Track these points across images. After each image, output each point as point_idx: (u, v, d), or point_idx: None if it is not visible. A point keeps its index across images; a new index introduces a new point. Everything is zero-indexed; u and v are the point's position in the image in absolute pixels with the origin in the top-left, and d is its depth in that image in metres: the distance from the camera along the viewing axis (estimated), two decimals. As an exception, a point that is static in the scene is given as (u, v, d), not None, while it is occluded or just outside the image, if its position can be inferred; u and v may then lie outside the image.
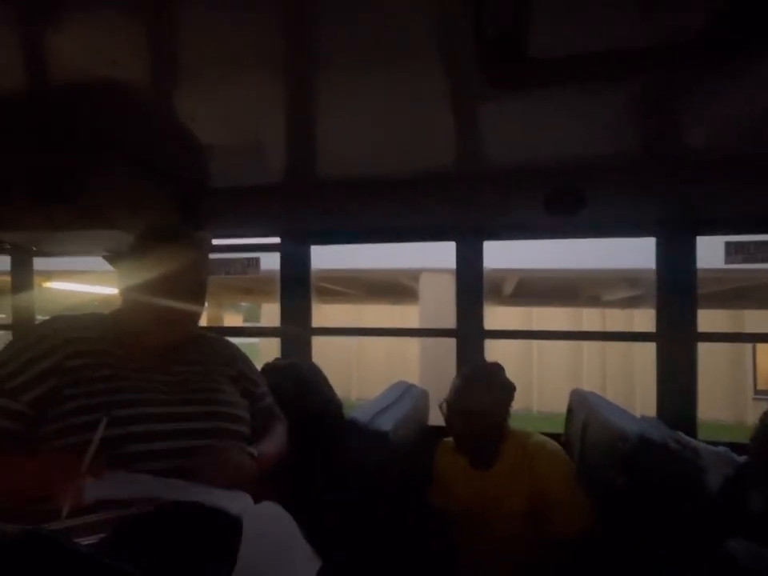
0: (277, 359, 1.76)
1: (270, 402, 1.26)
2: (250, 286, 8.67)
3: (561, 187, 1.84)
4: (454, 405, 1.56)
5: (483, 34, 0.96)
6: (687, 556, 1.07)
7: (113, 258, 1.14)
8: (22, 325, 2.52)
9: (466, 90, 1.23)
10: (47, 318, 1.12)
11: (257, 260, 2.33)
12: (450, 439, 1.65)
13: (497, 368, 1.62)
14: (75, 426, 0.93)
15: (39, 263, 2.59)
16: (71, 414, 0.95)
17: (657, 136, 1.58)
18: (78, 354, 1.01)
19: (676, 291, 1.91)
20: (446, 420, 1.59)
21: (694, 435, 1.78)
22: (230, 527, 0.81)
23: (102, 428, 0.89)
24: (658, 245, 1.94)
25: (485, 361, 1.73)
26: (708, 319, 2.43)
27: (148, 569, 0.70)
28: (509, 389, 1.58)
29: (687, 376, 1.90)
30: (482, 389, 1.54)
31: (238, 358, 1.24)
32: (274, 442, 1.17)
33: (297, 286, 2.22)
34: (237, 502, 0.87)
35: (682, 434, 1.52)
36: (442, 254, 3.36)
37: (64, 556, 0.61)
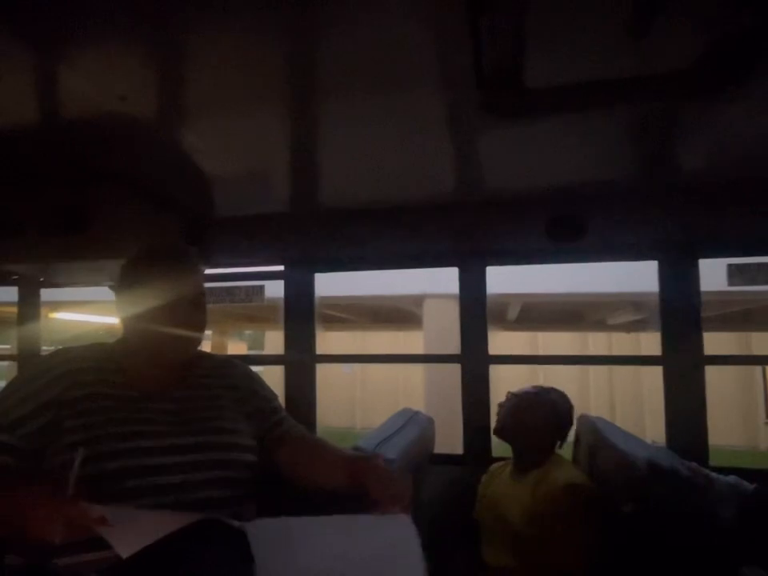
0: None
1: (285, 414, 1.24)
2: (254, 313, 8.68)
3: (562, 213, 1.85)
4: (516, 405, 1.68)
5: (481, 64, 0.99)
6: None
7: (118, 286, 1.14)
8: (27, 355, 2.53)
9: (466, 119, 1.25)
10: (53, 348, 1.13)
11: (261, 288, 2.35)
12: (497, 465, 1.79)
13: (564, 396, 1.74)
14: (68, 461, 0.92)
15: (46, 294, 2.61)
16: (71, 446, 0.94)
17: (656, 161, 1.60)
18: (78, 384, 1.01)
19: (680, 314, 1.90)
20: (497, 418, 1.72)
21: (704, 461, 1.75)
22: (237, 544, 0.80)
23: (77, 463, 0.87)
24: (661, 268, 1.94)
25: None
26: (715, 342, 2.41)
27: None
28: (564, 417, 1.70)
29: (695, 400, 1.87)
30: (541, 403, 1.67)
31: (246, 376, 1.22)
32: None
33: (301, 313, 2.23)
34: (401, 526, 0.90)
35: (692, 463, 1.49)
36: (445, 280, 3.37)
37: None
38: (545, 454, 1.64)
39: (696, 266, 1.90)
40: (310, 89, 1.13)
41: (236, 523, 0.84)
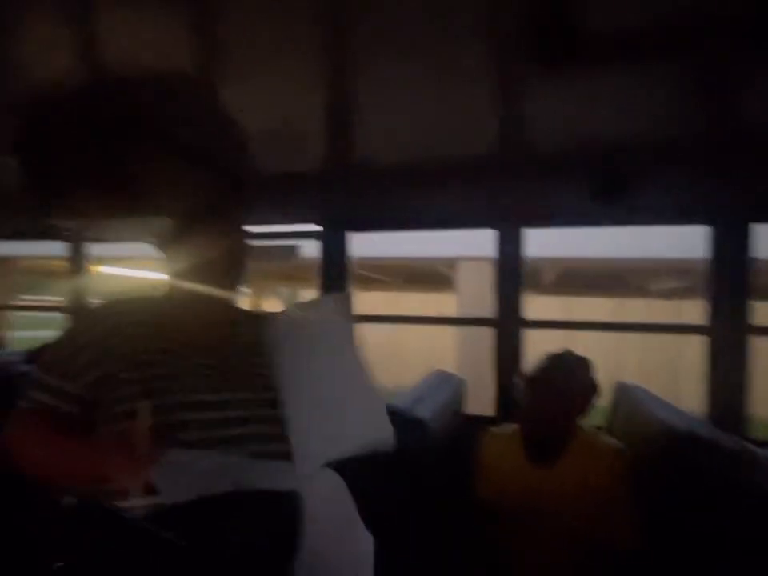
0: None
1: None
2: (290, 272, 8.81)
3: (607, 172, 1.76)
4: (535, 379, 1.50)
5: (532, 7, 0.93)
6: (741, 556, 1.03)
7: (160, 243, 1.16)
8: (76, 307, 2.66)
9: (509, 70, 1.19)
10: (101, 301, 1.16)
11: (296, 247, 2.36)
12: (499, 429, 1.60)
13: (587, 363, 1.55)
14: (129, 412, 0.95)
15: (91, 248, 2.71)
16: (129, 398, 0.96)
17: (712, 117, 1.49)
18: (131, 337, 1.03)
19: (729, 282, 1.81)
20: (521, 397, 1.53)
21: (745, 433, 1.70)
22: (288, 509, 0.82)
23: (143, 415, 0.90)
24: (712, 233, 1.85)
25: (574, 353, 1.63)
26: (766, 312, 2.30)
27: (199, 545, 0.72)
28: (592, 387, 1.51)
29: (739, 371, 1.81)
30: (568, 372, 1.49)
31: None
32: None
33: (335, 273, 2.24)
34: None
35: (734, 436, 1.45)
36: (480, 242, 3.31)
37: (118, 524, 0.64)
38: (571, 431, 1.49)
39: (750, 231, 1.80)
40: (350, 42, 1.09)
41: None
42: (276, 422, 1.04)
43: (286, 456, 0.95)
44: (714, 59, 1.12)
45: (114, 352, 1.01)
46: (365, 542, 0.93)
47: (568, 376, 1.48)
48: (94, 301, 2.77)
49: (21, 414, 1.02)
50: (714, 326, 1.84)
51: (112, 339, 1.02)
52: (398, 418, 1.40)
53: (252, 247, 1.17)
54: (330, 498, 0.91)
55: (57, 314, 2.94)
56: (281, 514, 0.84)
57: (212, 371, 1.06)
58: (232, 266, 1.11)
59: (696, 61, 1.13)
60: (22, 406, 1.02)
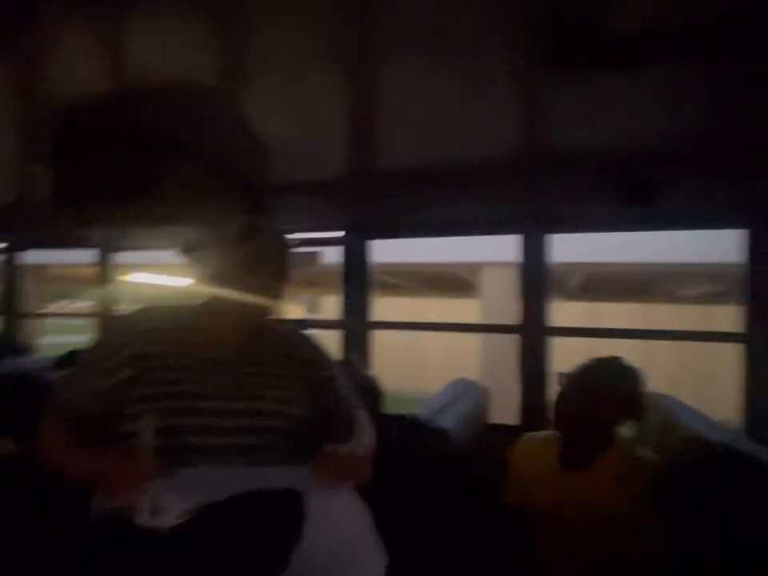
0: None
1: (341, 386, 1.23)
2: (311, 278, 8.87)
3: (637, 176, 1.71)
4: (576, 379, 1.48)
5: (553, 7, 0.90)
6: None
7: (188, 251, 1.18)
8: (104, 314, 2.71)
9: (536, 71, 1.16)
10: (132, 308, 1.19)
11: (318, 254, 2.37)
12: (534, 434, 1.60)
13: (636, 373, 1.51)
14: (137, 415, 0.98)
15: (119, 256, 2.77)
16: (144, 400, 0.99)
17: (746, 117, 1.44)
18: (157, 343, 1.06)
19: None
20: (558, 396, 1.51)
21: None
22: (290, 510, 0.82)
23: (150, 432, 0.92)
24: (750, 236, 1.77)
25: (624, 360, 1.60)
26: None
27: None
28: (637, 399, 1.47)
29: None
30: (612, 378, 1.46)
31: (304, 347, 1.23)
32: (365, 438, 1.15)
33: (357, 279, 2.23)
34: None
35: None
36: (504, 247, 3.28)
37: (136, 540, 0.64)
38: (610, 439, 1.45)
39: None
40: (369, 46, 1.08)
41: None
42: (283, 434, 1.05)
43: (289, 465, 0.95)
44: (741, 60, 1.08)
45: (148, 353, 1.04)
46: (375, 559, 0.90)
47: (612, 382, 1.45)
48: (123, 307, 2.83)
49: (49, 418, 1.04)
50: (751, 333, 1.77)
51: (146, 341, 1.05)
52: (421, 428, 1.38)
53: (289, 255, 1.17)
54: (337, 517, 0.89)
55: (86, 320, 3.01)
56: (280, 524, 0.83)
57: (230, 379, 1.07)
58: (262, 274, 1.12)
59: (724, 61, 1.09)
60: (51, 410, 1.05)
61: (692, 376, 10.21)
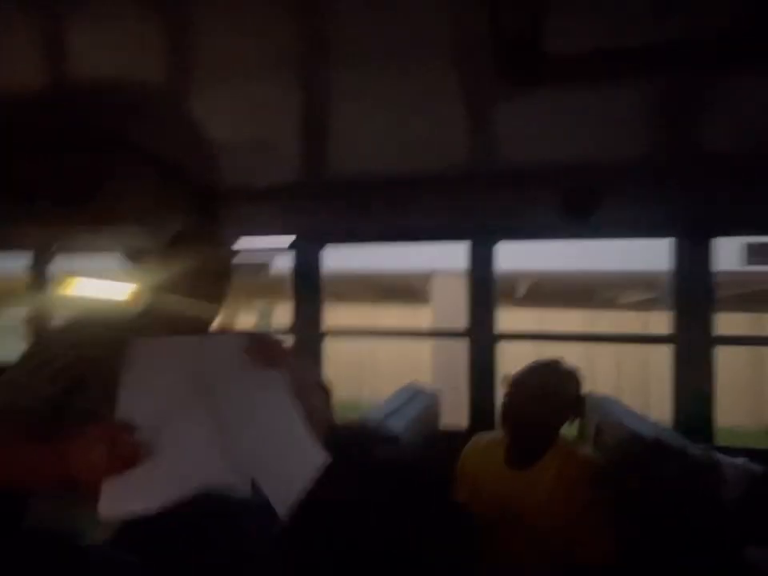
0: None
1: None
2: (262, 287, 8.71)
3: (577, 188, 1.81)
4: (519, 381, 1.52)
5: (500, 31, 0.95)
6: (704, 564, 1.05)
7: (132, 255, 1.15)
8: (39, 323, 2.56)
9: (482, 88, 1.22)
10: (71, 315, 1.14)
11: (267, 263, 2.34)
12: (484, 434, 1.63)
13: (576, 375, 1.56)
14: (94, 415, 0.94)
15: (57, 262, 2.63)
16: (81, 412, 0.96)
17: (675, 135, 1.55)
18: (92, 351, 1.03)
19: (693, 293, 1.87)
20: (504, 397, 1.54)
21: (712, 442, 1.74)
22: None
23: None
24: (675, 246, 1.91)
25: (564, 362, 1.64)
26: (728, 323, 2.38)
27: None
28: (577, 400, 1.53)
29: (705, 380, 1.86)
30: (555, 380, 1.51)
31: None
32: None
33: (309, 286, 2.22)
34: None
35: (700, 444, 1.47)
36: (454, 256, 3.36)
37: (65, 552, 0.62)
38: (553, 438, 1.50)
39: (712, 244, 1.86)
40: (323, 56, 1.10)
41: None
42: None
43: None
44: (680, 79, 1.17)
45: (86, 358, 1.01)
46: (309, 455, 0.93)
47: (555, 383, 1.50)
48: (61, 314, 2.68)
49: None
50: (679, 336, 1.89)
51: (71, 355, 1.02)
52: (371, 433, 1.39)
53: (232, 263, 1.16)
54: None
55: (20, 328, 2.83)
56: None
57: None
58: (208, 281, 1.10)
59: (662, 81, 1.18)
60: None
61: (630, 378, 10.74)
